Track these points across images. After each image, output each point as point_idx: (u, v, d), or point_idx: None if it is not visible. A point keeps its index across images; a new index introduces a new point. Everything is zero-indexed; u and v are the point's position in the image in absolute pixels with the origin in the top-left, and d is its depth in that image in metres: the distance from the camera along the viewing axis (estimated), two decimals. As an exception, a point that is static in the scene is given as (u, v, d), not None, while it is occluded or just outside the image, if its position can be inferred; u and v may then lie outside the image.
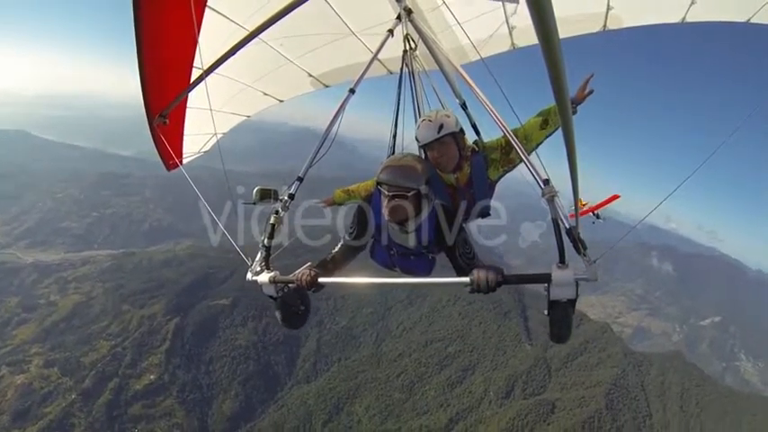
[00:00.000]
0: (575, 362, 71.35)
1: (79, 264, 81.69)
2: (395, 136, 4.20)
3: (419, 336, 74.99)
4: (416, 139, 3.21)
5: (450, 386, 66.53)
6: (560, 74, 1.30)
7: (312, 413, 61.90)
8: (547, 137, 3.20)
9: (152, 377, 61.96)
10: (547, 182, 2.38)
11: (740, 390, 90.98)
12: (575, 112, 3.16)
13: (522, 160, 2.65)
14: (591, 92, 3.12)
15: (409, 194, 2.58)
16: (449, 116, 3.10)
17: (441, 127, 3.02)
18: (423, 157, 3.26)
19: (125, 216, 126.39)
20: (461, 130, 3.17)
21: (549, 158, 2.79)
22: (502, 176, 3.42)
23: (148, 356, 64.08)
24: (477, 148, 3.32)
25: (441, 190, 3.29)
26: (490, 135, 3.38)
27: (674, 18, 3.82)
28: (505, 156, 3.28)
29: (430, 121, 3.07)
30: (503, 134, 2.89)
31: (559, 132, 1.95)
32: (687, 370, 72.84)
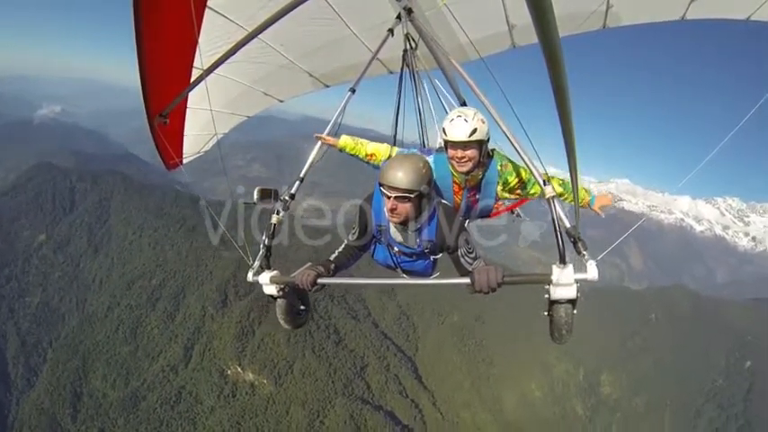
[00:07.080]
0: (272, 253, 73.02)
1: None
2: (396, 135, 4.20)
3: (119, 280, 67.81)
4: (443, 131, 3.03)
5: (170, 317, 62.68)
6: (560, 72, 1.30)
7: (55, 415, 52.96)
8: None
9: None
10: (547, 182, 2.38)
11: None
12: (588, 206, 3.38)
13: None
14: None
15: (411, 196, 2.57)
16: (483, 122, 2.92)
17: (474, 131, 2.87)
18: (443, 147, 3.14)
19: None
20: (488, 140, 3.05)
21: (549, 158, 2.78)
22: (504, 198, 3.38)
23: None
24: (491, 155, 3.22)
25: (446, 187, 3.26)
26: (494, 138, 3.28)
27: (673, 15, 3.81)
28: (517, 189, 3.25)
29: (465, 120, 2.89)
30: (525, 166, 2.88)
31: (559, 132, 1.95)
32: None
